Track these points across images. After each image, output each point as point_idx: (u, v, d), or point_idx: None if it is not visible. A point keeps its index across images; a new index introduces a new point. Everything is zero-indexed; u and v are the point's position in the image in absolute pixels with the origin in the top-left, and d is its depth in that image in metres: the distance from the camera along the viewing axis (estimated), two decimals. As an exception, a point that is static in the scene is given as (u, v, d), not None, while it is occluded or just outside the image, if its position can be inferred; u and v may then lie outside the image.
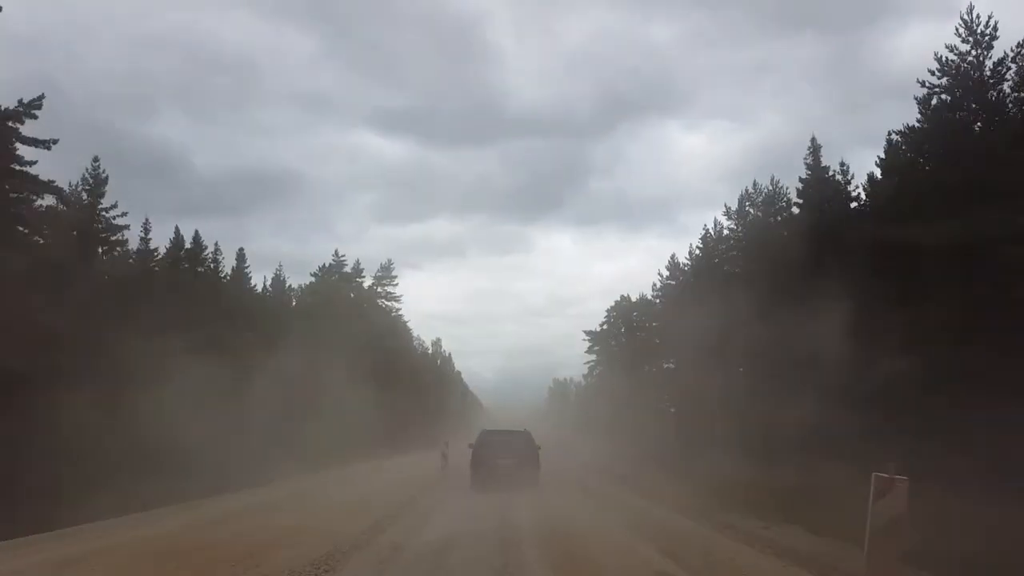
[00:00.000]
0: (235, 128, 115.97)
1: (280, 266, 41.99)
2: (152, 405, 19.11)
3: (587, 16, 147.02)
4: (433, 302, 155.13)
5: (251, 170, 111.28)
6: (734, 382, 32.62)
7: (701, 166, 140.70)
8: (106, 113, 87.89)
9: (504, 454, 19.59)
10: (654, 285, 45.48)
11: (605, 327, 57.22)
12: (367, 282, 54.18)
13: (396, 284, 57.27)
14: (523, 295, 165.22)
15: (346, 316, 43.19)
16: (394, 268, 57.08)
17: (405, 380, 51.86)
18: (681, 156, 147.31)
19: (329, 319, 40.93)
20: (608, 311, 55.98)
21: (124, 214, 25.30)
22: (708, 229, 37.45)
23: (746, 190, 32.51)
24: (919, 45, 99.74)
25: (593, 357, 61.64)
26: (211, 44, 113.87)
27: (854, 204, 22.16)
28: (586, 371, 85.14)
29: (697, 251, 38.62)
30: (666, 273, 43.66)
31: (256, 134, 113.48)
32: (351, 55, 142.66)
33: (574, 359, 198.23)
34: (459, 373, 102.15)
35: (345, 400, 39.65)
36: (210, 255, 35.52)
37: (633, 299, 52.78)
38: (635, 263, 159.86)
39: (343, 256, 52.80)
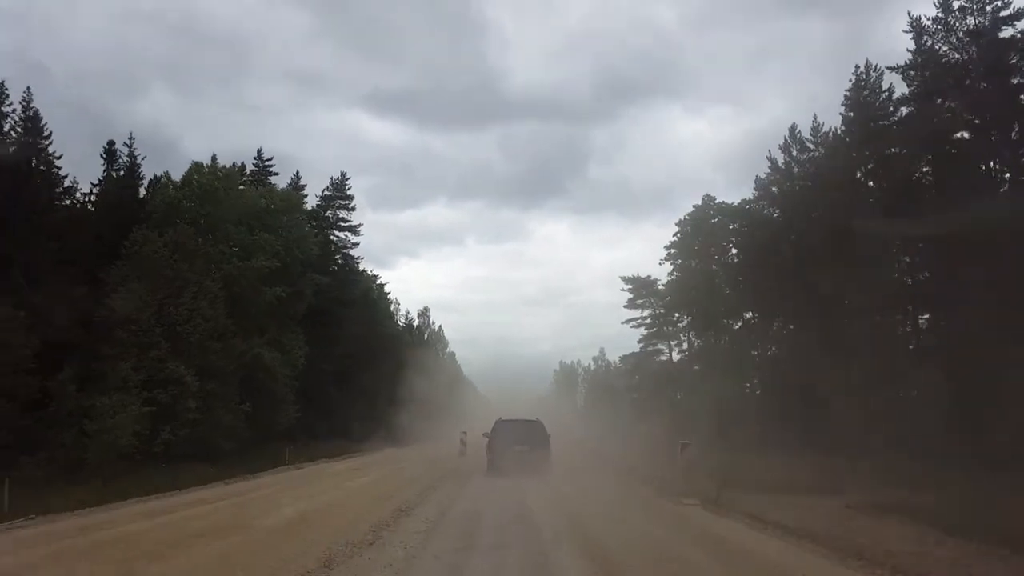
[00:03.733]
0: (224, 108, 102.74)
1: (132, 140, 24.50)
2: None
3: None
4: (430, 289, 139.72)
5: (242, 151, 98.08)
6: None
7: (702, 153, 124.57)
8: (89, 91, 76.27)
9: (518, 441, 20.14)
10: (756, 179, 29.82)
11: (675, 247, 38.45)
12: (311, 203, 37.64)
13: (353, 209, 40.67)
14: (520, 284, 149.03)
15: (241, 230, 26.87)
16: (350, 187, 40.31)
17: (351, 344, 35.68)
18: (682, 142, 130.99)
19: (208, 230, 24.69)
20: (681, 223, 38.41)
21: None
22: (860, 71, 22.60)
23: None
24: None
25: (636, 313, 43.47)
26: (201, 18, 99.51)
27: None
28: (598, 352, 68.83)
29: (838, 116, 23.59)
30: (779, 157, 28.00)
31: (247, 114, 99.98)
32: (346, 32, 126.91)
33: (576, 348, 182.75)
34: (452, 354, 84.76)
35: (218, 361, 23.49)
36: None
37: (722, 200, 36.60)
38: (634, 252, 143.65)
39: (270, 160, 36.30)
